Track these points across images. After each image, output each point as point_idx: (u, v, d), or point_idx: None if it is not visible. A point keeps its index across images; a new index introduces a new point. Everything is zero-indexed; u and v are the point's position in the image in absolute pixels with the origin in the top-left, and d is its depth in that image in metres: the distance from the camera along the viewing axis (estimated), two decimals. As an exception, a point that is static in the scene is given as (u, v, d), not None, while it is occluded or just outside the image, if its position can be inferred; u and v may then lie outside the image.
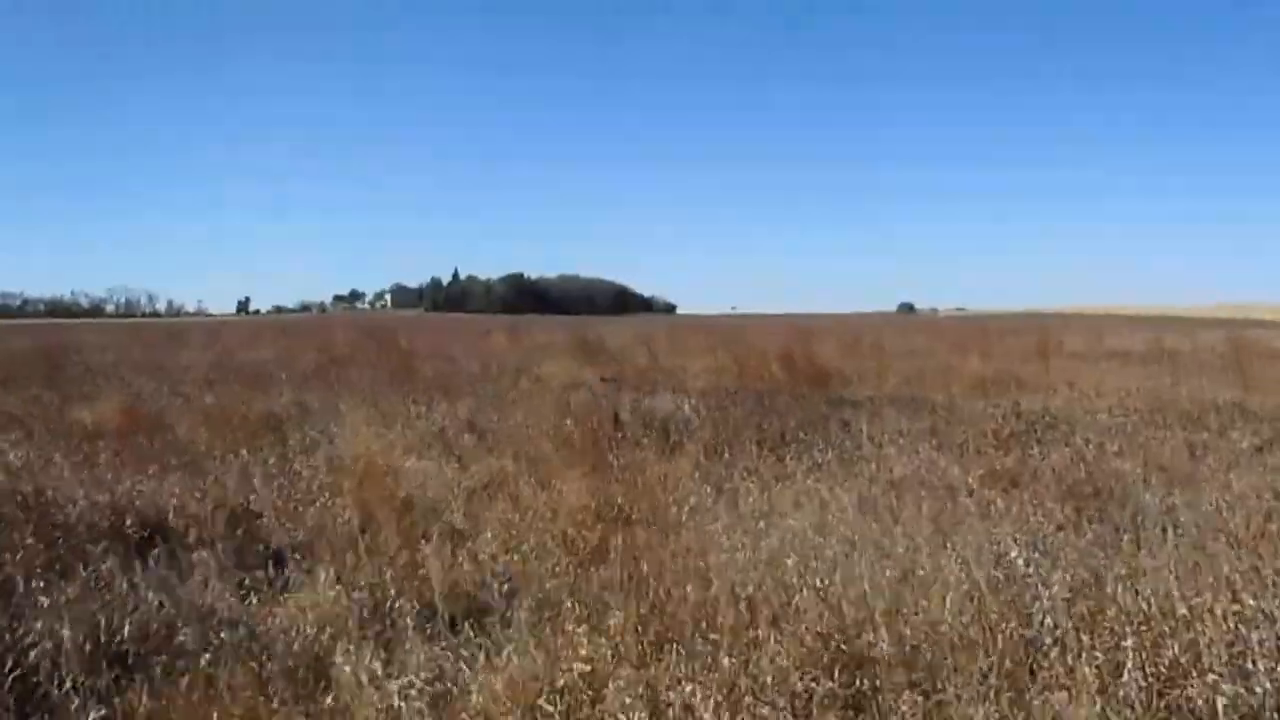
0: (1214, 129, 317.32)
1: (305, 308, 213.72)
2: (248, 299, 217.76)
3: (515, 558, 7.70)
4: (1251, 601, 5.29)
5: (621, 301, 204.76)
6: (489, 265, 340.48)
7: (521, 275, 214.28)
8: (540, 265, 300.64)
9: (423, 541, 8.13)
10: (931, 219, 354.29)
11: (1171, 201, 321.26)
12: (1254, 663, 4.72)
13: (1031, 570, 6.07)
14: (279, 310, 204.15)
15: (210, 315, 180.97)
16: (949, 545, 6.91)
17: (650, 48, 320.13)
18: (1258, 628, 5.01)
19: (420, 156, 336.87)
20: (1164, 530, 7.49)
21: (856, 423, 13.36)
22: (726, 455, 11.54)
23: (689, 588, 6.47)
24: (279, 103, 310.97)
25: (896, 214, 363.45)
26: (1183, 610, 5.31)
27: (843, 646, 5.39)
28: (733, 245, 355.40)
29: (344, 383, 20.86)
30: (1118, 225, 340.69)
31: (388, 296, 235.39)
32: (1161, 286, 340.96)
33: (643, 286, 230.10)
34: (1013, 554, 6.42)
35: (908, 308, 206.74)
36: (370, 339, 35.61)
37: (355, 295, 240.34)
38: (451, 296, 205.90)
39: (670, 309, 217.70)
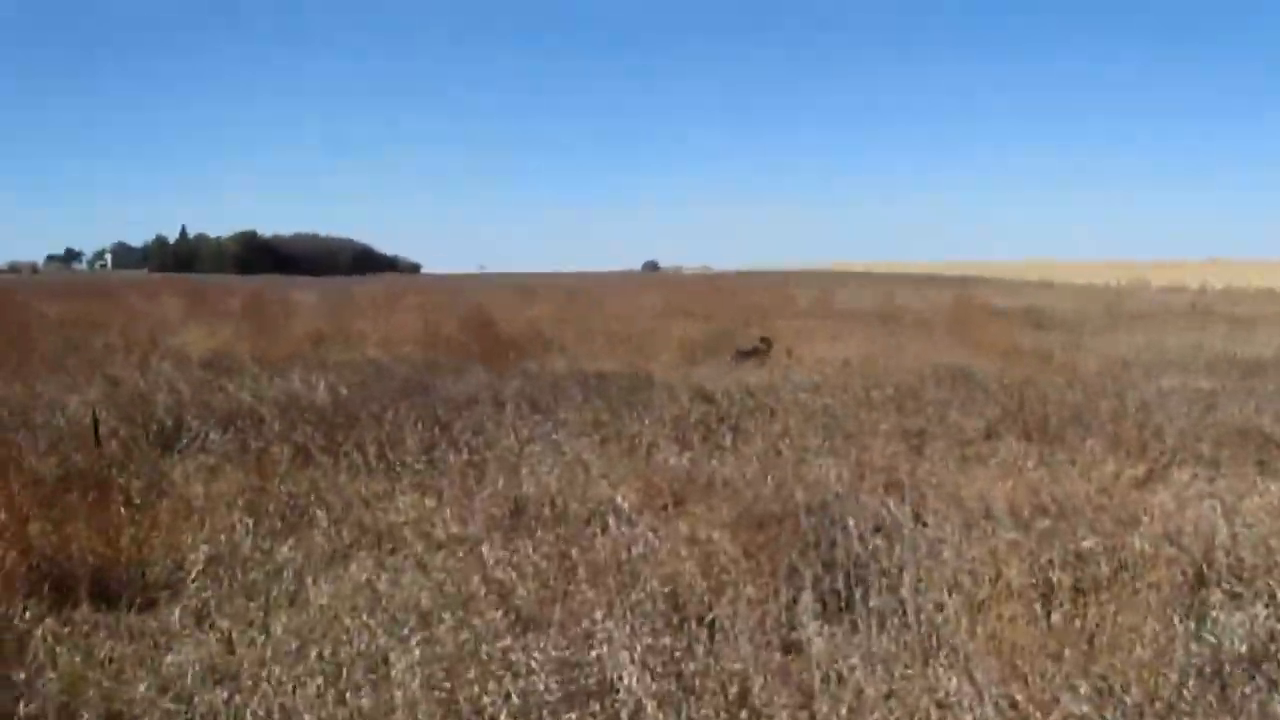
0: (955, 91, 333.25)
1: (14, 268, 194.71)
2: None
3: None
4: None
5: (364, 261, 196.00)
6: (223, 223, 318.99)
7: (255, 233, 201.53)
8: (279, 223, 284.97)
9: None
10: (680, 184, 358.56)
11: (905, 162, 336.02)
12: None
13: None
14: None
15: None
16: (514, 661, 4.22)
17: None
18: None
19: (146, 103, 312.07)
20: (865, 593, 5.05)
21: (516, 409, 10.61)
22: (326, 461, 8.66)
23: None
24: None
25: (646, 175, 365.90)
26: None
27: None
28: (480, 205, 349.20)
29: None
30: (857, 185, 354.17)
31: (108, 256, 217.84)
32: (900, 244, 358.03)
33: (387, 245, 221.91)
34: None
35: (652, 266, 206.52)
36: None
37: (72, 255, 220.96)
38: (180, 256, 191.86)
39: (415, 268, 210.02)
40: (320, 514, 7.05)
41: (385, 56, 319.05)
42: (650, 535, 5.96)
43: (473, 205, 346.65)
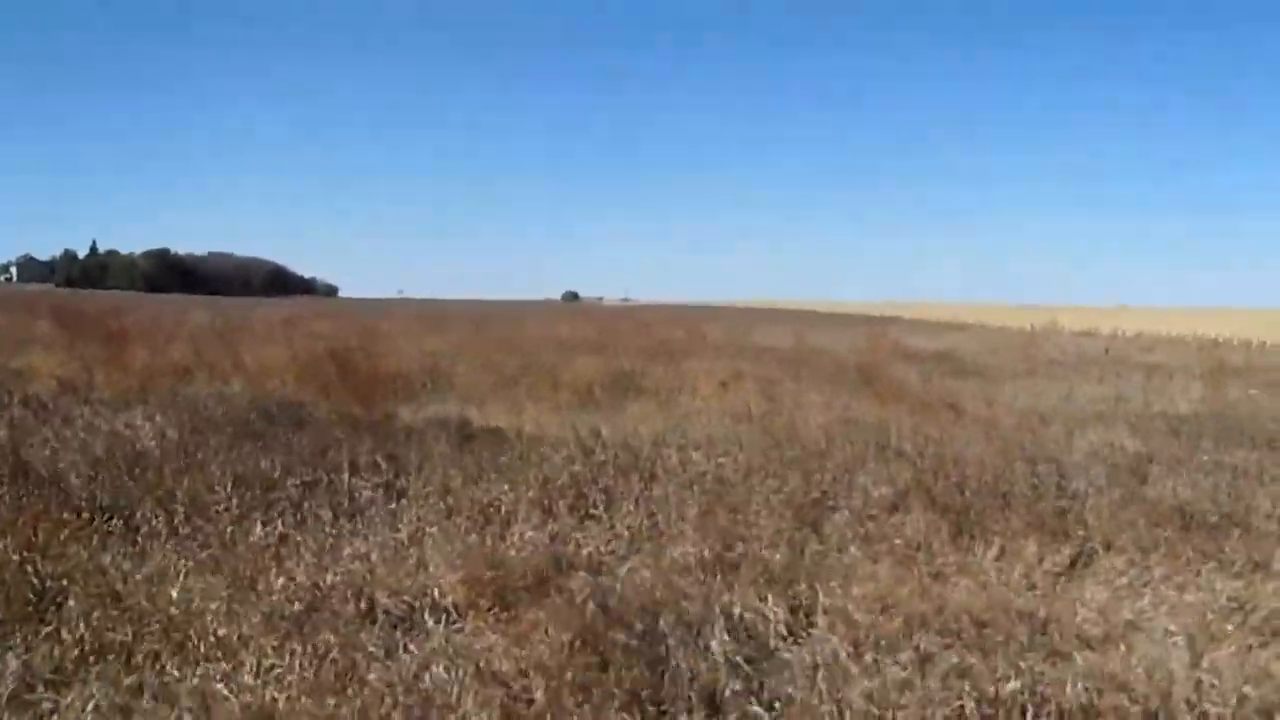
0: (876, 134, 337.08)
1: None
2: None
3: None
4: None
5: (279, 281, 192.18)
6: (136, 239, 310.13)
7: (168, 251, 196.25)
8: (192, 242, 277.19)
9: None
10: (603, 217, 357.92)
11: (828, 203, 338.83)
12: None
13: None
14: None
15: None
16: None
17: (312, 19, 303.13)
18: None
19: (57, 114, 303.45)
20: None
21: (365, 463, 9.24)
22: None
23: None
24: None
25: (572, 205, 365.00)
26: None
27: None
28: (400, 229, 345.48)
29: None
30: (780, 225, 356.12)
31: (13, 269, 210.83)
32: (815, 283, 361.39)
33: (307, 267, 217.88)
34: None
35: (572, 296, 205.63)
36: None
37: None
38: (89, 272, 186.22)
39: (332, 291, 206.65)
40: (73, 605, 5.64)
41: (310, 80, 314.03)
42: (449, 662, 4.64)
43: (396, 230, 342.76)
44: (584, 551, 6.90)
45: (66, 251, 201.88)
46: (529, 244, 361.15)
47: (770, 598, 5.68)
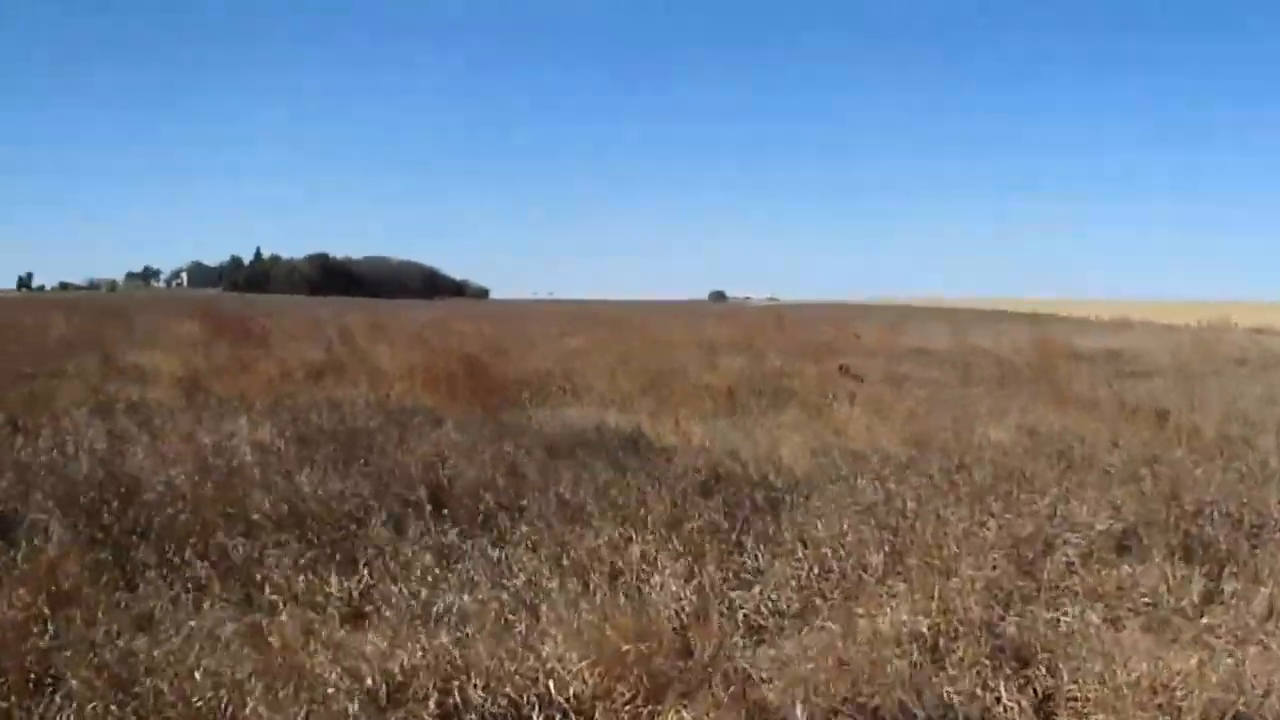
0: (1033, 128, 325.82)
1: (94, 285, 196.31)
2: (29, 275, 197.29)
3: None
4: None
5: (432, 285, 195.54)
6: (296, 245, 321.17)
7: (327, 256, 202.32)
8: (350, 247, 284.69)
9: None
10: (754, 215, 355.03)
11: (975, 199, 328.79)
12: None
13: None
14: (64, 287, 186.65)
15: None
16: None
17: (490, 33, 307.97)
18: None
19: (224, 128, 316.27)
20: None
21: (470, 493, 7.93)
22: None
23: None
24: (62, 62, 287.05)
25: (720, 205, 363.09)
26: None
27: None
28: (550, 233, 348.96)
29: None
30: (928, 222, 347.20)
31: (184, 275, 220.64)
32: (963, 279, 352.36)
33: (458, 271, 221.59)
34: None
35: (719, 296, 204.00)
36: None
37: (150, 272, 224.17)
38: (253, 277, 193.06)
39: (484, 293, 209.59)
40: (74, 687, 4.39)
41: (463, 88, 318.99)
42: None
43: (546, 233, 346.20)
44: (740, 614, 5.45)
45: (233, 257, 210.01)
46: (676, 244, 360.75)
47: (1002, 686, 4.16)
